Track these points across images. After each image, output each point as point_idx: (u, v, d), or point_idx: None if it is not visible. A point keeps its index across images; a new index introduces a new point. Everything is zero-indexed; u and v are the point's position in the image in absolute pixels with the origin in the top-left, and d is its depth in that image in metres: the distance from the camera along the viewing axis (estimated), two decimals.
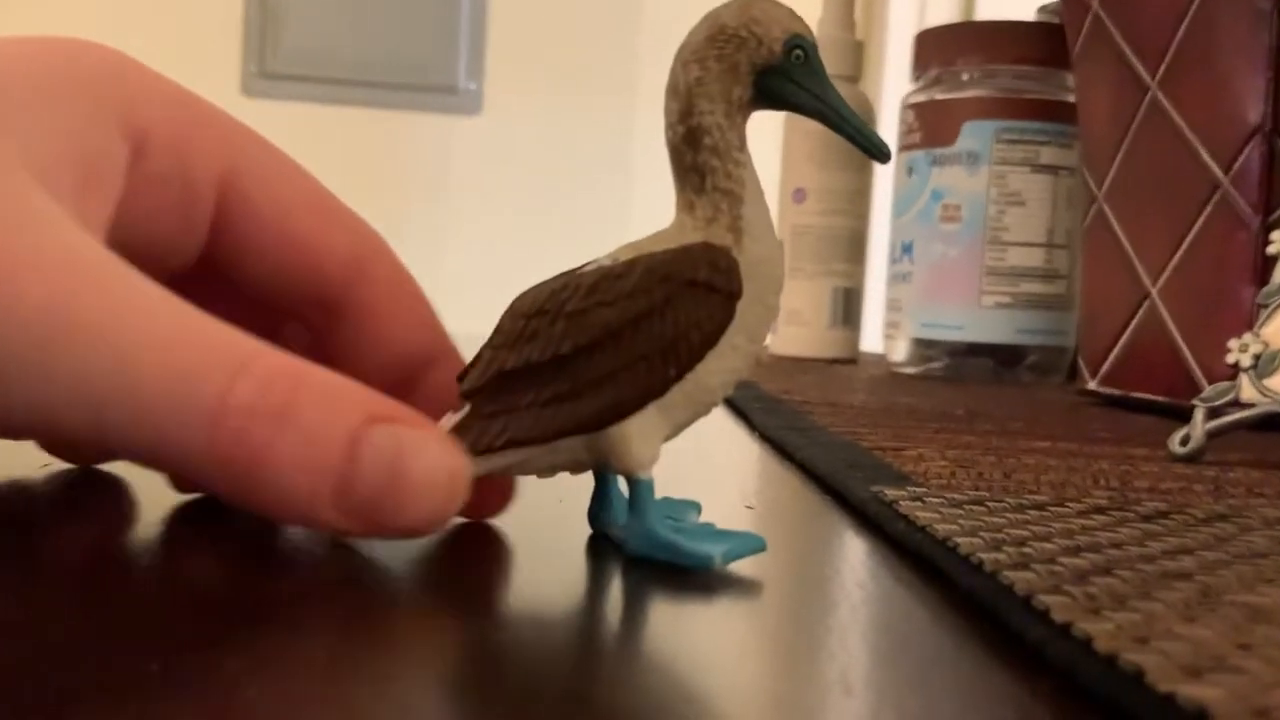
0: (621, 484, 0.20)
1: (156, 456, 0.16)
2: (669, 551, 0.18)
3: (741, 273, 0.19)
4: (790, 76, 0.19)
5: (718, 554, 0.18)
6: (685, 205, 0.19)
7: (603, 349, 0.18)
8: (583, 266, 0.19)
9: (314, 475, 0.16)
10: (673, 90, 0.19)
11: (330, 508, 0.16)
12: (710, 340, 0.18)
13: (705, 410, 0.19)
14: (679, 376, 0.18)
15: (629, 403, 0.18)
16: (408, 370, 0.21)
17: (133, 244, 0.19)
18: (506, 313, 0.19)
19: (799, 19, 0.19)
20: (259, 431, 0.15)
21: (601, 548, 0.20)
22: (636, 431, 0.18)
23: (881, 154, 0.20)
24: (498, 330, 0.19)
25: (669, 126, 0.19)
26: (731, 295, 0.18)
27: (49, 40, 0.19)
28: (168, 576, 0.17)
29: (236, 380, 0.15)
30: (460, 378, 0.19)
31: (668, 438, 0.19)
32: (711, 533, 0.19)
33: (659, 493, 0.19)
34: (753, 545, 0.19)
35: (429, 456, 0.16)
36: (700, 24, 0.19)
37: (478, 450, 0.18)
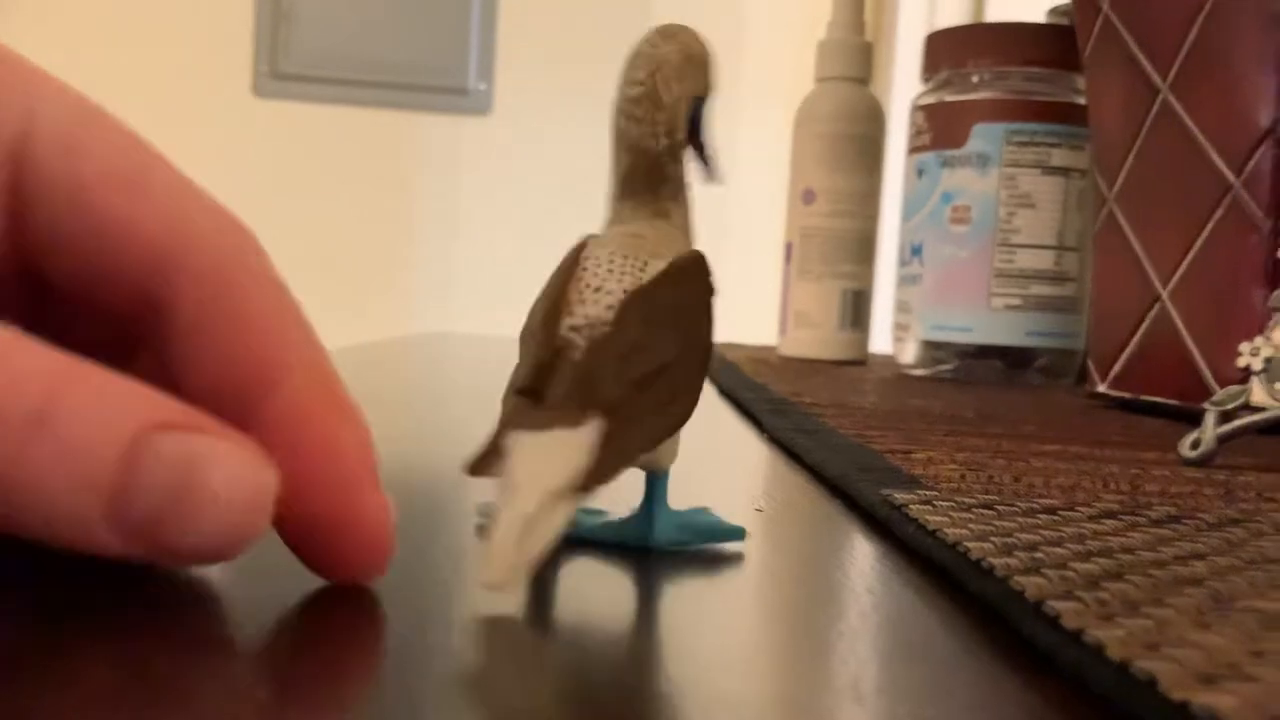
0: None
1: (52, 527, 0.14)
2: (704, 533, 0.20)
3: None
4: (706, 105, 0.21)
5: (735, 527, 0.20)
6: (659, 212, 0.20)
7: (686, 354, 0.19)
8: (582, 262, 0.19)
9: (81, 490, 0.13)
10: (655, 103, 0.20)
11: (104, 528, 0.14)
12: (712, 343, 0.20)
13: None
14: (706, 375, 0.20)
15: (695, 403, 0.19)
16: (233, 396, 0.16)
17: None
18: (614, 321, 0.18)
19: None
20: (8, 440, 0.13)
21: (581, 549, 0.20)
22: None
23: (716, 176, 0.22)
24: (621, 331, 0.18)
25: (652, 135, 0.20)
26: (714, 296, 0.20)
27: None
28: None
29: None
30: (527, 387, 0.18)
31: None
32: (708, 513, 0.21)
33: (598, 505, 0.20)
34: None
35: (227, 467, 0.14)
36: (667, 42, 0.20)
37: (623, 464, 0.17)
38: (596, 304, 0.18)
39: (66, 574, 0.16)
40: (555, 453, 0.16)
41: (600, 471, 0.16)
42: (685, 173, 0.21)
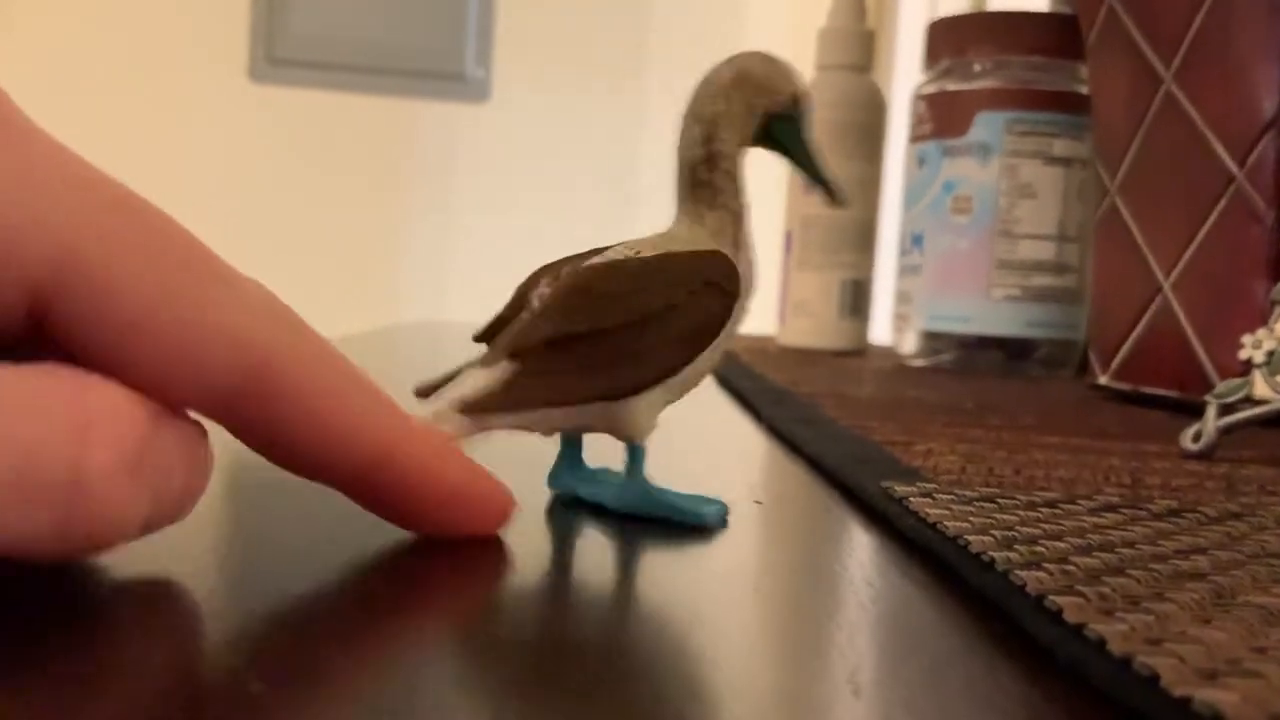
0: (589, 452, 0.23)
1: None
2: (667, 508, 0.21)
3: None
4: (792, 126, 0.23)
5: (713, 512, 0.21)
6: (695, 216, 0.23)
7: (638, 329, 0.21)
8: (604, 250, 0.22)
9: (159, 506, 0.15)
10: (696, 116, 0.23)
11: (161, 525, 0.16)
12: (715, 333, 0.22)
13: (688, 392, 0.22)
14: (689, 361, 0.21)
15: (650, 378, 0.21)
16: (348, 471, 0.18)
17: None
18: (552, 286, 0.22)
19: (803, 79, 0.23)
20: (117, 496, 0.14)
21: (586, 524, 0.20)
22: (646, 404, 0.21)
23: (841, 200, 0.24)
24: (547, 302, 0.21)
25: (689, 145, 0.23)
26: (734, 297, 0.22)
27: None
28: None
29: (85, 448, 0.13)
30: (483, 336, 0.22)
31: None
32: (702, 499, 0.22)
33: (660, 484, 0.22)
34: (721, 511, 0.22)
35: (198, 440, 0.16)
36: (725, 65, 0.23)
37: (520, 405, 0.21)
38: (559, 279, 0.22)
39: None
40: (467, 383, 0.21)
41: (481, 402, 0.20)
42: (727, 183, 0.23)
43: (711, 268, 0.22)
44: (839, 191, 0.24)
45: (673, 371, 0.21)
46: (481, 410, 0.20)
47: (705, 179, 0.22)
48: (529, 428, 0.21)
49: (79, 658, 0.13)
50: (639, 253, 0.22)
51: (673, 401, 0.22)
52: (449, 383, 0.21)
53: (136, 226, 0.15)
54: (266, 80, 2.25)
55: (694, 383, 0.22)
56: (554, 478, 0.23)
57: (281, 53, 2.23)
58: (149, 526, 0.15)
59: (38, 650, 0.13)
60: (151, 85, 2.22)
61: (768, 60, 0.23)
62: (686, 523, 0.21)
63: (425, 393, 0.21)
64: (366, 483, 0.18)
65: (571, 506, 0.23)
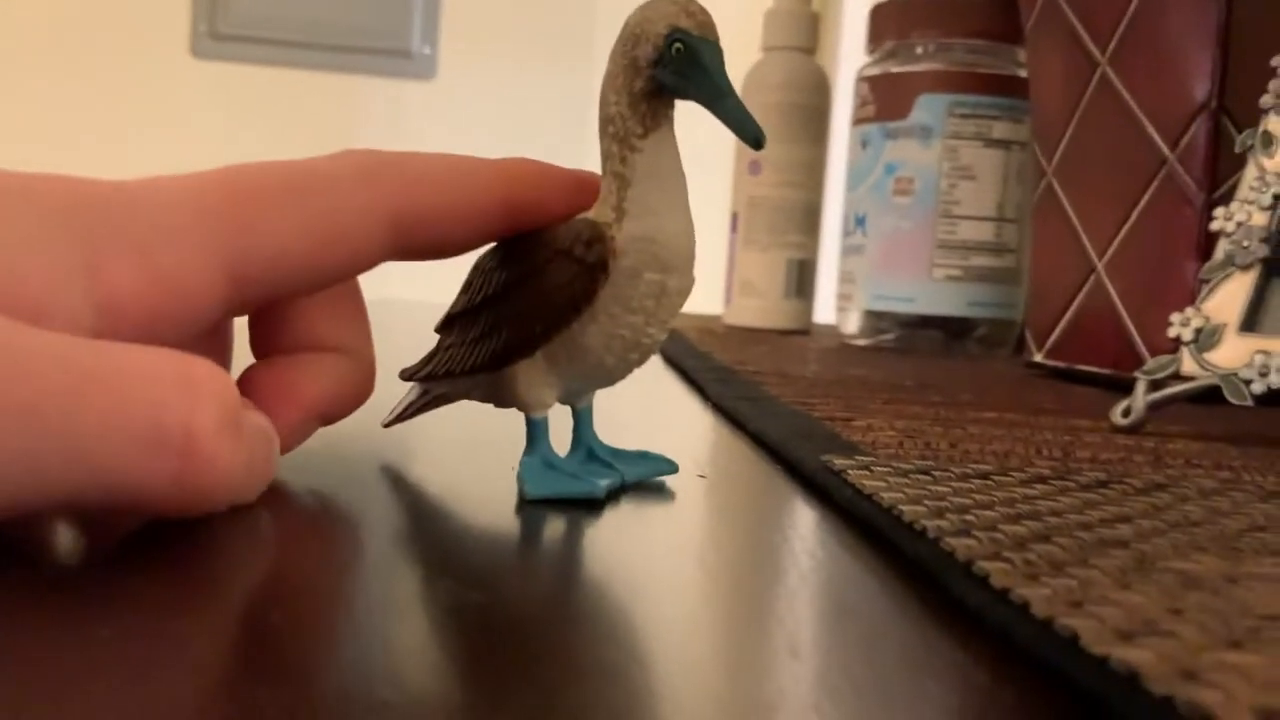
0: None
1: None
2: (559, 485, 0.21)
3: (617, 248, 0.21)
4: (672, 68, 0.21)
5: (603, 485, 0.21)
6: (603, 181, 0.22)
7: (502, 301, 0.22)
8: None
9: (251, 474, 0.18)
10: (605, 80, 0.22)
11: (252, 494, 0.19)
12: (574, 304, 0.21)
13: (601, 374, 0.22)
14: (546, 333, 0.21)
15: (510, 350, 0.21)
16: None
17: None
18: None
19: (690, 14, 0.21)
20: (224, 452, 0.16)
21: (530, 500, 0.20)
22: (523, 376, 0.22)
23: (755, 141, 0.20)
24: (466, 281, 0.23)
25: (602, 111, 0.22)
26: (594, 267, 0.21)
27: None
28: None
29: (196, 408, 0.16)
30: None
31: (576, 393, 0.23)
32: (623, 457, 0.23)
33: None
34: (663, 468, 0.23)
35: (265, 427, 0.19)
36: (629, 18, 0.22)
37: (427, 375, 0.23)
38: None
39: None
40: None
41: (411, 370, 0.24)
42: (613, 146, 0.21)
43: (568, 236, 0.21)
44: (749, 131, 0.20)
45: (531, 343, 0.21)
46: (410, 377, 0.24)
47: (602, 146, 0.21)
48: (453, 395, 0.24)
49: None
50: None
51: (577, 383, 0.22)
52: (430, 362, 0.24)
53: (268, 199, 0.19)
54: (209, 56, 2.21)
55: (590, 361, 0.21)
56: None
57: (225, 28, 2.20)
58: (243, 493, 0.18)
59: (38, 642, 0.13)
60: (91, 61, 2.17)
61: (643, 7, 0.21)
62: (576, 496, 0.21)
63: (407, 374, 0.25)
64: (507, 220, 0.22)
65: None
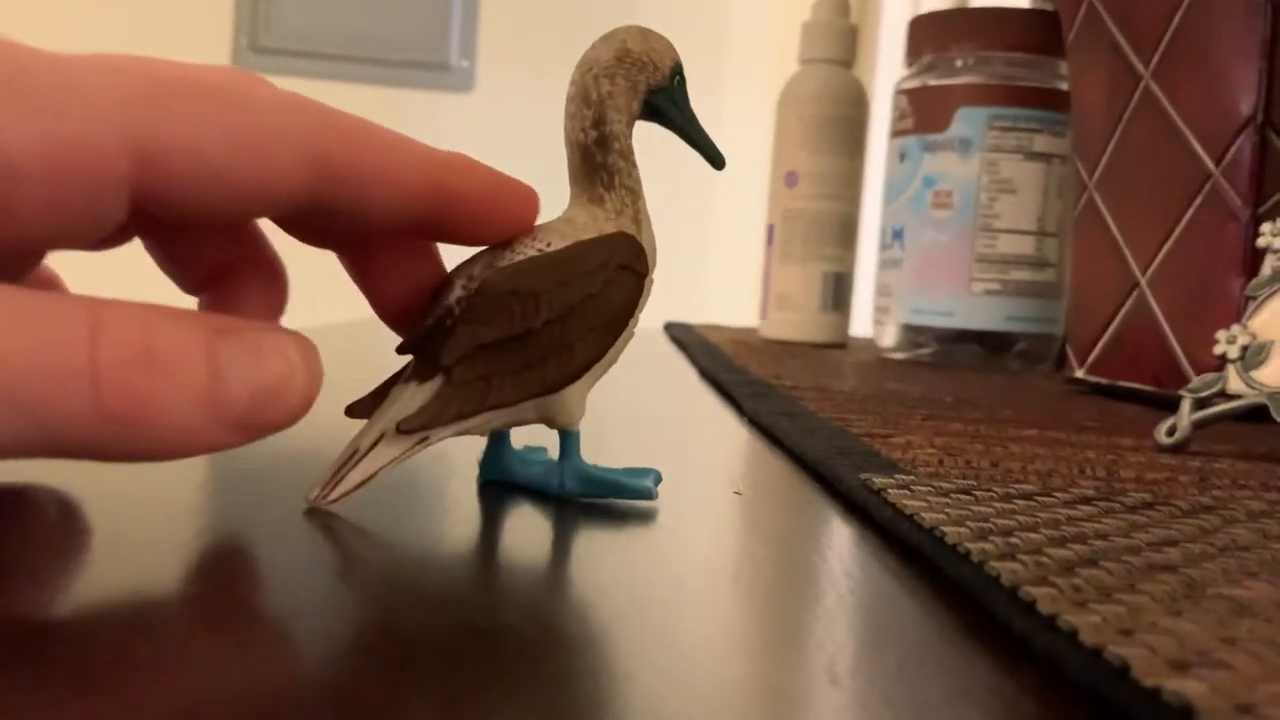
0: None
1: (48, 443, 0.16)
2: (610, 487, 0.22)
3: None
4: (670, 96, 0.23)
5: (652, 483, 0.23)
6: (594, 198, 0.23)
7: (563, 323, 0.21)
8: (510, 244, 0.22)
9: (193, 403, 0.16)
10: (584, 99, 0.23)
11: (216, 428, 0.16)
12: (632, 314, 0.22)
13: (608, 369, 0.23)
14: (613, 344, 0.22)
15: (581, 368, 0.22)
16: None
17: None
18: (469, 290, 0.21)
19: (674, 48, 0.23)
20: (137, 379, 0.15)
21: (560, 514, 0.20)
22: (576, 393, 0.22)
23: (721, 163, 0.24)
24: (471, 308, 0.21)
25: (581, 130, 0.23)
26: (643, 276, 0.22)
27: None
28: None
29: (98, 339, 0.15)
30: (408, 349, 0.22)
31: None
32: (636, 470, 0.23)
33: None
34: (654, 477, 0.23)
35: (283, 349, 0.17)
36: (604, 43, 0.23)
37: (462, 415, 0.21)
38: (474, 280, 0.21)
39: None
40: (402, 402, 0.21)
41: (425, 420, 0.20)
42: (621, 162, 0.23)
43: (621, 251, 0.22)
44: (718, 156, 0.24)
45: (600, 358, 0.22)
46: (424, 427, 0.20)
47: (600, 161, 0.23)
48: (468, 432, 0.22)
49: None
50: (549, 244, 0.22)
51: (596, 381, 0.23)
52: (380, 400, 0.21)
53: (191, 90, 0.18)
54: (250, 68, 2.23)
55: (614, 360, 0.23)
56: (488, 466, 0.24)
57: (266, 41, 2.22)
58: (227, 427, 0.17)
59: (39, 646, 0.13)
60: None
61: (644, 35, 0.23)
62: (628, 498, 0.22)
63: (357, 412, 0.22)
64: (432, 207, 0.21)
65: (508, 491, 0.23)
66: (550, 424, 0.22)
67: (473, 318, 0.21)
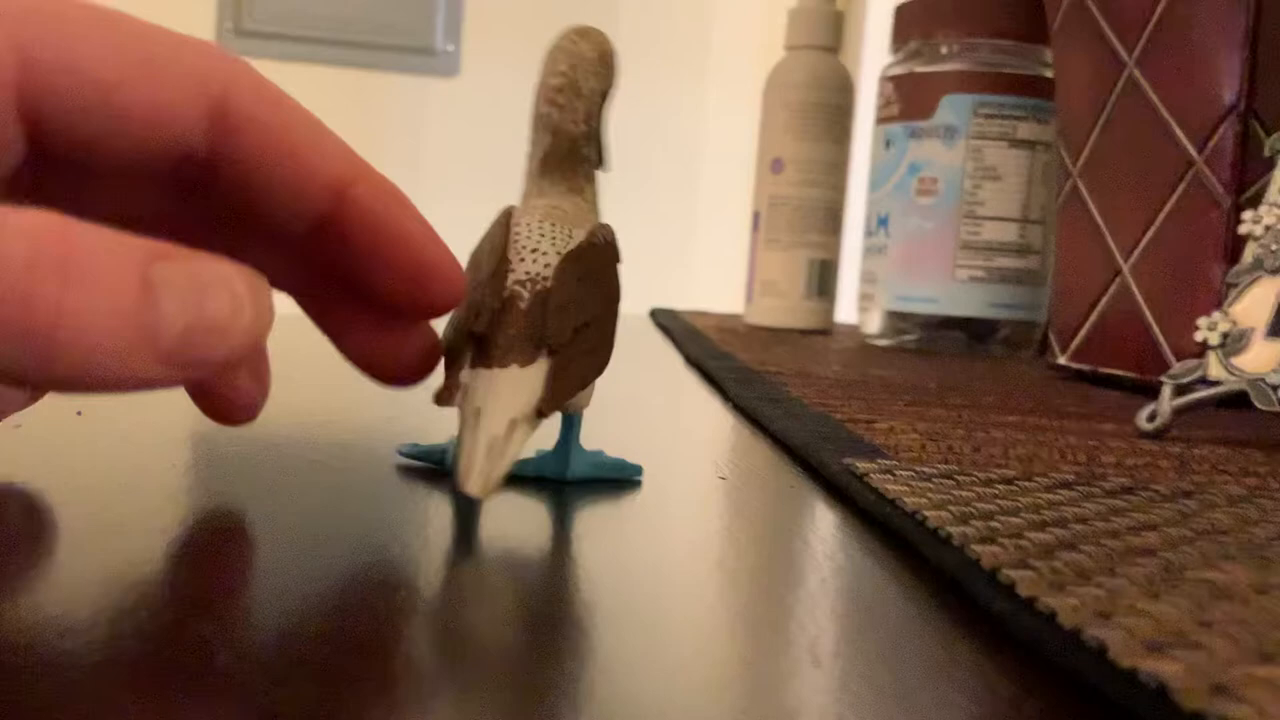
0: None
1: None
2: (612, 468, 0.23)
3: None
4: (607, 101, 0.24)
5: (635, 467, 0.23)
6: (575, 189, 0.23)
7: (606, 312, 0.22)
8: (514, 230, 0.22)
9: (118, 324, 0.14)
10: (576, 92, 0.23)
11: (144, 358, 0.14)
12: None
13: None
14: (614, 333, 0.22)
15: (611, 353, 0.22)
16: (313, 197, 0.19)
17: None
18: (533, 279, 0.21)
19: None
20: (45, 287, 0.13)
21: (540, 499, 0.20)
22: None
23: (607, 165, 0.25)
24: (554, 291, 0.21)
25: (573, 121, 0.23)
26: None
27: None
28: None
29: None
30: (480, 329, 0.20)
31: None
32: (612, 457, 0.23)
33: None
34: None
35: (229, 281, 0.15)
36: (585, 41, 0.24)
37: (568, 394, 0.20)
38: (535, 263, 0.21)
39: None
40: (513, 386, 0.20)
41: (552, 401, 0.19)
42: (597, 154, 0.24)
43: (612, 239, 0.23)
44: (609, 159, 0.25)
45: (614, 343, 0.22)
46: (557, 408, 0.20)
47: (585, 154, 0.23)
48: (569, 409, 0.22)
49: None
50: (571, 234, 0.22)
51: None
52: (458, 385, 0.20)
53: (83, 11, 0.17)
54: (234, 52, 2.22)
55: None
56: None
57: (249, 24, 2.20)
58: (158, 356, 0.14)
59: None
60: None
61: (606, 37, 0.24)
62: (625, 477, 0.23)
63: (444, 400, 0.20)
64: (332, 218, 0.19)
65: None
66: (573, 408, 0.23)
67: (562, 300, 0.21)
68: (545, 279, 0.21)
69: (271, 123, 0.18)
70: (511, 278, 0.21)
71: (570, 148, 0.23)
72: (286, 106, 0.19)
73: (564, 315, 0.21)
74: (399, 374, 0.21)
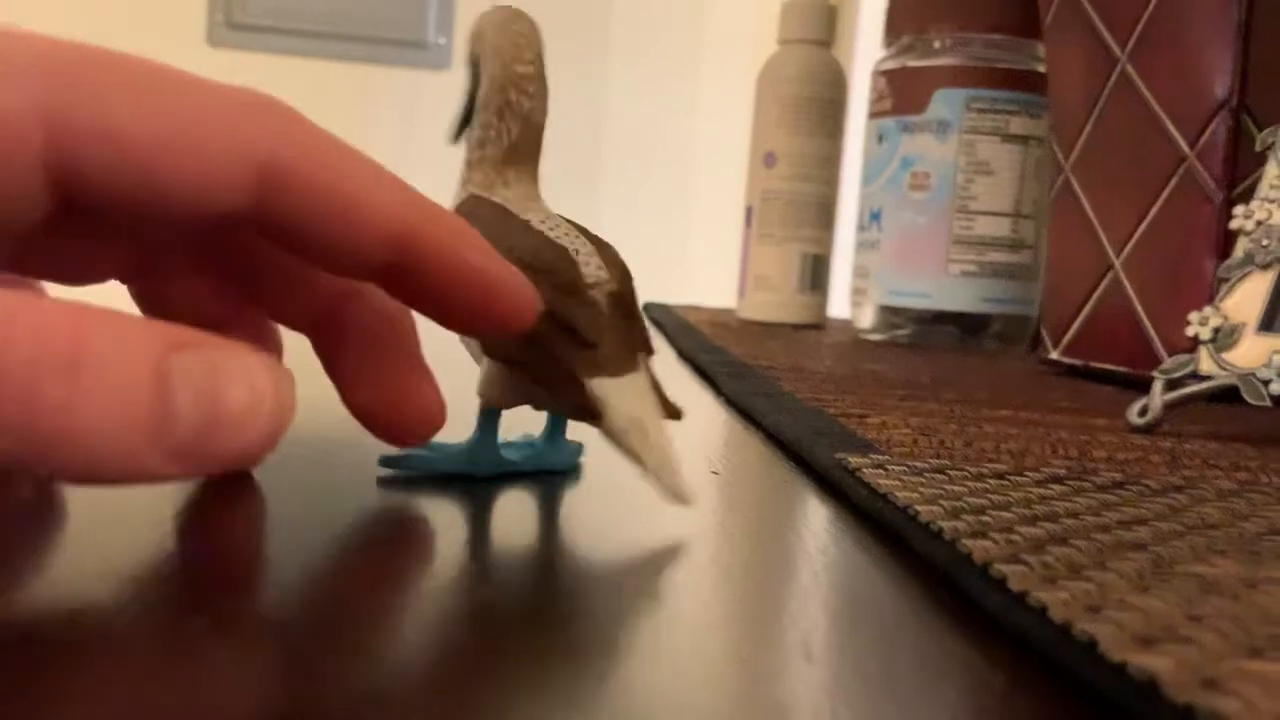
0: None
1: None
2: (565, 454, 0.23)
3: None
4: None
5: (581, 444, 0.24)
6: (535, 176, 0.24)
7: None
8: (543, 216, 0.22)
9: (127, 422, 0.14)
10: (543, 81, 0.23)
11: (153, 454, 0.14)
12: None
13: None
14: None
15: None
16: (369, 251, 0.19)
17: None
18: (620, 284, 0.21)
19: None
20: (48, 385, 0.13)
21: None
22: None
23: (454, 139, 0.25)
24: (627, 289, 0.21)
25: (542, 110, 0.23)
26: None
27: None
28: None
29: (4, 336, 0.13)
30: (595, 339, 0.21)
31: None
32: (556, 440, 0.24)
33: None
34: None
35: (249, 374, 0.15)
36: (533, 30, 0.24)
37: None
38: (588, 265, 0.21)
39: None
40: (638, 392, 0.20)
41: (675, 407, 0.21)
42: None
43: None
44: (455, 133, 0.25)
45: None
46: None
47: (540, 145, 0.24)
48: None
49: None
50: (562, 221, 0.22)
51: None
52: (596, 399, 0.20)
53: (119, 72, 0.16)
54: (225, 45, 2.21)
55: None
56: (481, 462, 0.23)
57: (241, 17, 2.20)
58: (167, 454, 0.14)
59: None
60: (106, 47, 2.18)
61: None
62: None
63: (591, 419, 0.20)
64: (394, 266, 0.18)
65: (494, 481, 0.22)
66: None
67: (629, 305, 0.21)
68: (606, 281, 0.21)
69: (322, 182, 0.18)
70: (584, 284, 0.21)
71: (538, 137, 0.23)
72: (339, 161, 0.18)
73: (640, 324, 0.21)
74: (400, 435, 0.21)
